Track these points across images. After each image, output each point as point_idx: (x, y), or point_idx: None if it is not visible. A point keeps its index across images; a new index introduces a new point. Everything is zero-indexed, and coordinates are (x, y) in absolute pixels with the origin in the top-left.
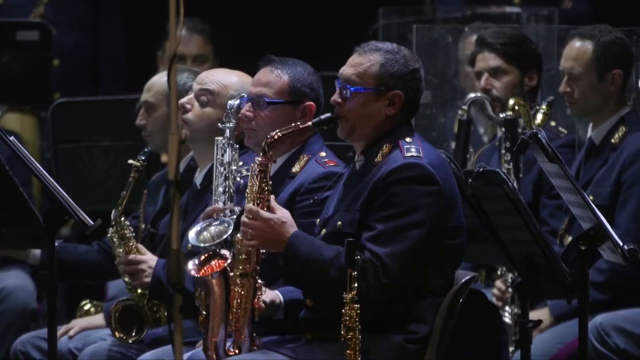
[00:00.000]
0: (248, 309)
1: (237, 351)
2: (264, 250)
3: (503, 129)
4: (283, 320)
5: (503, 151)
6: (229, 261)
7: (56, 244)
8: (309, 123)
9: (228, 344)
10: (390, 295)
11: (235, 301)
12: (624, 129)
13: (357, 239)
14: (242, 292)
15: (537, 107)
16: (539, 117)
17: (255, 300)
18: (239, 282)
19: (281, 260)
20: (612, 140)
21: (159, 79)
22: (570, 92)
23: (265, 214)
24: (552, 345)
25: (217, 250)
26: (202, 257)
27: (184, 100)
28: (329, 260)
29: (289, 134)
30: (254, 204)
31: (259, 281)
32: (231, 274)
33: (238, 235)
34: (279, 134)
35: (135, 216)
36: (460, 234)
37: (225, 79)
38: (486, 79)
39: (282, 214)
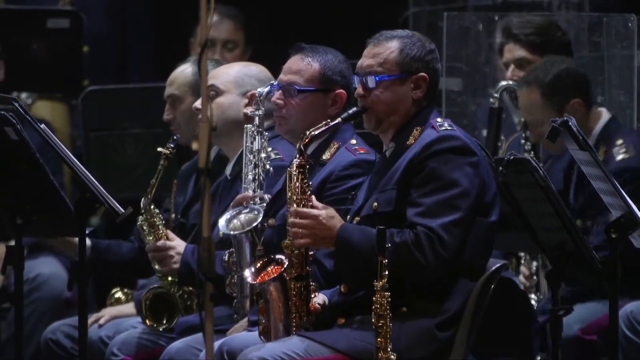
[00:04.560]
0: (305, 312)
1: None
2: (312, 252)
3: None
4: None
5: (523, 141)
6: (285, 266)
7: (87, 231)
8: (339, 120)
9: None
10: (448, 267)
11: (293, 307)
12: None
13: (393, 218)
14: (298, 296)
15: None
16: None
17: (311, 303)
18: (293, 286)
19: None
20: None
21: (181, 72)
22: (546, 141)
23: (313, 211)
24: (569, 327)
25: (273, 256)
26: (259, 264)
27: (197, 104)
28: None
29: (322, 133)
30: (297, 206)
31: (312, 283)
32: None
33: (287, 240)
34: (313, 133)
35: (166, 209)
36: (494, 211)
37: (221, 70)
38: (512, 70)
39: (329, 210)
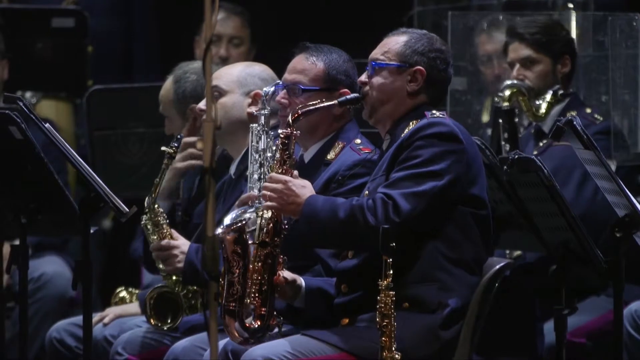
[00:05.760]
0: (268, 283)
1: (258, 323)
2: (286, 225)
3: (500, 120)
4: (304, 310)
5: (502, 142)
6: (244, 222)
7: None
8: (335, 101)
9: (248, 317)
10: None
11: (254, 274)
12: None
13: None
14: (262, 263)
15: (542, 97)
16: (543, 107)
17: (277, 275)
18: (258, 252)
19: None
20: None
21: (165, 91)
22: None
23: (284, 176)
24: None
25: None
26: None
27: (200, 105)
28: (340, 204)
29: (314, 110)
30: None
31: (281, 256)
32: (250, 241)
33: (258, 205)
34: (304, 109)
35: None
36: (484, 207)
37: (224, 70)
38: (518, 70)
39: (303, 180)
